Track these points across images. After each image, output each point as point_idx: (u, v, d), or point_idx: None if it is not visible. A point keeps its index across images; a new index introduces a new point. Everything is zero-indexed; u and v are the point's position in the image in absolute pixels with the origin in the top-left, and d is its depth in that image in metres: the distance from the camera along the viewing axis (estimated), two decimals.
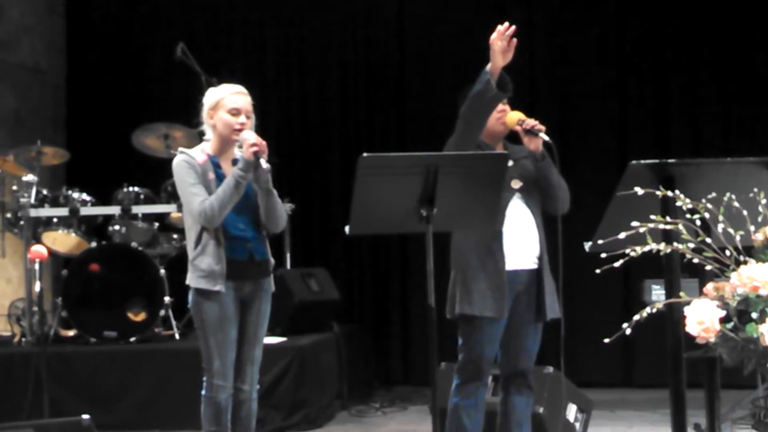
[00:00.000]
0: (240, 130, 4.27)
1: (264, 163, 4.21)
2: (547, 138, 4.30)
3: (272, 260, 4.45)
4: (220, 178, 4.27)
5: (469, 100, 4.22)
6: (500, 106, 4.37)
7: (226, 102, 4.30)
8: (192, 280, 4.28)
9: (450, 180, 3.87)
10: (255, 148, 4.16)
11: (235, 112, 4.29)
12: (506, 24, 4.10)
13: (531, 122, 4.35)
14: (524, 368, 4.51)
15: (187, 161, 4.27)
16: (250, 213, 4.33)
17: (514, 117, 4.39)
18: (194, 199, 4.21)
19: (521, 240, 4.39)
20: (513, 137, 4.51)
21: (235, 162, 4.32)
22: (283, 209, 4.42)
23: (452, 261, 4.48)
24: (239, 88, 4.37)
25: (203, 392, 4.32)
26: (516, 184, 4.40)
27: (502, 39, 4.10)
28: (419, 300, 6.84)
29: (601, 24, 8.04)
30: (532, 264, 4.43)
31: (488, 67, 4.13)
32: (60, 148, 7.61)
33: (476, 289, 4.34)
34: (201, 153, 4.31)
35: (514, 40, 4.11)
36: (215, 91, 4.38)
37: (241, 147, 4.30)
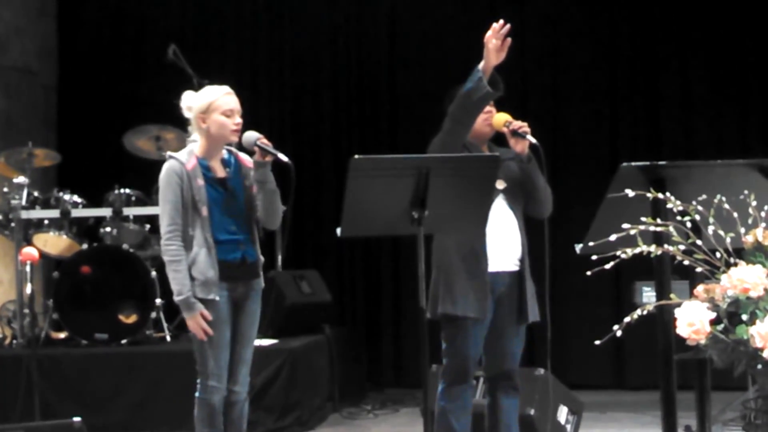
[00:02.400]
0: (238, 131, 4.28)
1: (283, 157, 4.22)
2: (533, 140, 4.31)
3: (262, 258, 4.45)
4: (209, 182, 4.27)
5: (459, 98, 4.21)
6: (487, 107, 4.37)
7: (220, 104, 4.29)
8: None
9: (441, 182, 3.87)
10: (200, 332, 4.23)
11: (230, 113, 4.29)
12: (501, 22, 4.10)
13: (518, 124, 4.36)
14: (509, 369, 4.51)
15: (176, 172, 4.25)
16: (240, 214, 4.33)
17: (501, 118, 4.40)
18: (163, 220, 4.27)
19: (504, 241, 4.40)
20: (499, 139, 4.51)
21: (224, 163, 4.33)
22: (280, 206, 4.42)
23: (434, 261, 4.47)
24: (228, 89, 4.36)
25: (197, 394, 4.32)
26: (500, 184, 4.40)
27: (496, 37, 4.09)
28: (411, 302, 6.84)
29: (593, 25, 8.05)
30: (513, 266, 4.43)
31: (480, 65, 4.13)
32: (51, 150, 7.60)
33: (459, 290, 4.34)
34: (191, 156, 4.30)
35: (508, 39, 4.10)
36: (203, 94, 4.35)
37: (230, 145, 4.32)
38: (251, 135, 4.28)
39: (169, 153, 4.38)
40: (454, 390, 4.41)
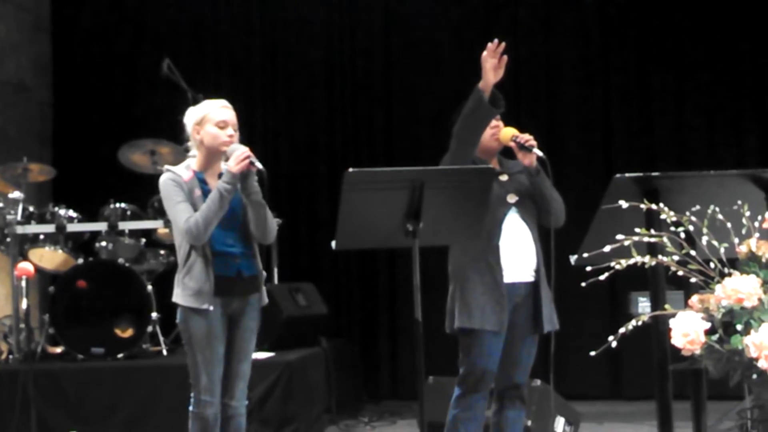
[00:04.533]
0: (230, 142, 4.29)
1: (258, 164, 4.21)
2: (540, 153, 4.36)
3: (264, 273, 4.45)
4: (206, 194, 4.27)
5: (462, 118, 4.28)
6: (493, 122, 4.44)
7: (213, 116, 4.31)
8: (180, 297, 4.27)
9: (436, 194, 3.89)
10: (247, 160, 4.17)
11: (223, 125, 4.30)
12: (495, 41, 4.15)
13: (524, 138, 4.42)
14: (519, 381, 4.52)
15: (173, 179, 4.27)
16: (237, 228, 4.33)
17: (508, 133, 4.45)
18: (180, 217, 4.21)
19: (518, 253, 4.42)
20: (508, 152, 4.54)
21: (221, 176, 4.33)
22: (274, 220, 4.42)
23: (450, 275, 4.50)
24: (224, 102, 4.39)
25: (191, 408, 4.32)
26: (512, 198, 4.45)
27: (492, 56, 4.15)
28: (407, 314, 6.82)
29: (586, 36, 8.08)
30: (529, 276, 4.45)
31: (480, 84, 4.19)
32: (46, 165, 7.60)
33: (475, 303, 4.36)
34: (186, 170, 4.31)
35: (505, 57, 4.16)
36: (199, 106, 4.38)
37: (227, 160, 4.32)
38: (235, 147, 4.28)
39: (166, 166, 4.39)
40: (468, 399, 4.42)
